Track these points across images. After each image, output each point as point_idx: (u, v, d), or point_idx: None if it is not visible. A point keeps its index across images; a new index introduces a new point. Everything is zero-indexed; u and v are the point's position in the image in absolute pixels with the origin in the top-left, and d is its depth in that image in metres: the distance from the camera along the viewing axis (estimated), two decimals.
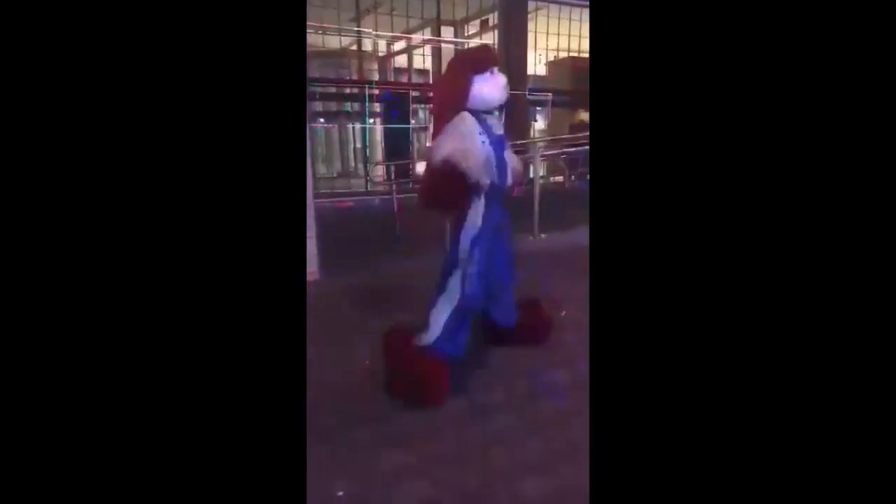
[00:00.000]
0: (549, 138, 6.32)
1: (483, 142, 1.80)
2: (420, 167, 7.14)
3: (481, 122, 1.84)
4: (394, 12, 11.52)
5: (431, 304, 1.92)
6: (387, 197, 8.37)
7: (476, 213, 1.86)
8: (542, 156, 5.29)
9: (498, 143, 1.86)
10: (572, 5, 6.58)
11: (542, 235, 4.46)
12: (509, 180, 1.93)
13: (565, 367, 2.17)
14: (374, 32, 11.75)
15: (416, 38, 7.02)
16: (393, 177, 9.60)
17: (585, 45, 6.92)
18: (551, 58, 7.47)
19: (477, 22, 7.61)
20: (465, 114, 1.81)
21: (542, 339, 2.37)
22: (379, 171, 11.63)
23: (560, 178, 6.51)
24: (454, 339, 1.89)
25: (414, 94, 10.90)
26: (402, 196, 5.85)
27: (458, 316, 1.88)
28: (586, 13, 6.80)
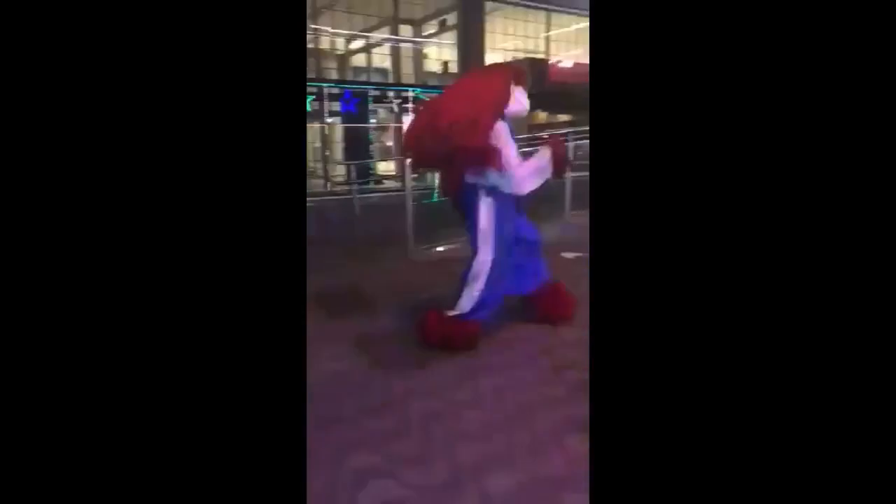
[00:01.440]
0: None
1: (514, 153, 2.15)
2: (381, 166, 7.09)
3: (510, 130, 2.19)
4: (351, 10, 11.39)
5: (462, 280, 2.29)
6: (347, 198, 8.26)
7: (485, 211, 2.21)
8: None
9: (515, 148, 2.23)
10: (528, 7, 6.69)
11: None
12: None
13: (527, 363, 2.21)
14: (331, 30, 11.59)
15: (375, 36, 6.97)
16: (353, 177, 9.50)
17: (542, 45, 7.05)
18: (509, 58, 7.59)
19: (435, 22, 7.62)
20: (504, 126, 2.16)
21: (564, 316, 2.56)
22: (339, 172, 11.47)
23: None
24: (483, 308, 2.29)
25: (374, 93, 10.80)
26: (362, 197, 5.78)
27: (486, 289, 2.25)
28: (542, 15, 6.93)
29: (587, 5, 6.99)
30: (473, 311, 2.30)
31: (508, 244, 2.28)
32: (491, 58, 6.99)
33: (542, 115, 7.77)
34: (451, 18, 7.32)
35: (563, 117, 7.95)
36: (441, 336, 2.27)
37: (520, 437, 1.66)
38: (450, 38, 7.38)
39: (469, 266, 2.34)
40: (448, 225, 4.80)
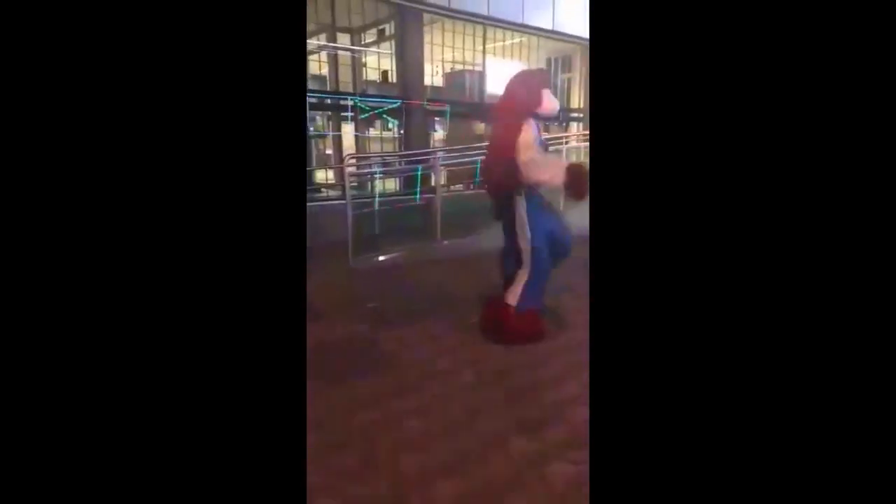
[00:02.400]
0: (448, 148, 6.50)
1: (538, 145, 2.36)
2: (319, 175, 6.94)
3: (538, 128, 2.42)
4: None
5: (511, 275, 2.47)
6: None
7: (521, 206, 2.40)
8: (443, 165, 5.42)
9: (542, 146, 2.44)
10: (466, 20, 6.84)
11: (445, 241, 4.55)
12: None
13: (472, 364, 2.23)
14: None
15: (312, 43, 6.84)
16: None
17: (479, 58, 7.22)
18: (447, 69, 7.70)
19: (374, 30, 7.61)
20: (533, 122, 2.37)
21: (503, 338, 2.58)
22: None
23: (460, 187, 6.71)
24: (534, 297, 2.47)
25: (311, 100, 10.55)
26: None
27: (534, 279, 2.45)
28: (479, 29, 7.11)
29: (522, 22, 7.23)
30: (529, 300, 2.47)
31: (546, 237, 2.45)
32: (429, 68, 7.06)
33: (480, 127, 7.93)
34: (390, 28, 7.34)
35: None
36: (513, 329, 2.45)
37: (464, 443, 1.66)
38: (388, 47, 7.39)
39: (509, 260, 2.54)
40: (389, 233, 4.76)
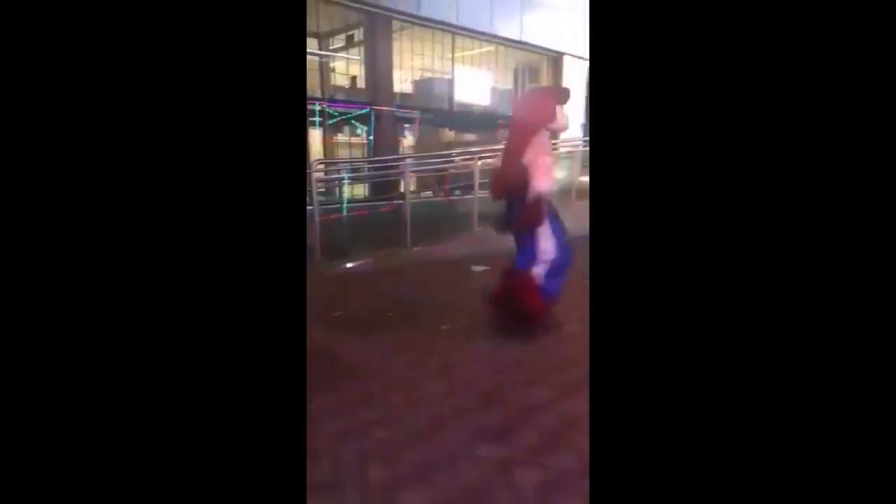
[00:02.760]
0: (418, 154, 6.50)
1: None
2: None
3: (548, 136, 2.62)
4: None
5: (530, 259, 2.58)
6: None
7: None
8: (412, 171, 5.41)
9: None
10: (435, 28, 6.89)
11: (416, 248, 4.54)
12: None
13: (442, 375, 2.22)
14: None
15: None
16: None
17: (448, 66, 7.27)
18: (416, 76, 7.72)
19: (342, 36, 7.56)
20: (546, 133, 2.58)
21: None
22: None
23: (429, 194, 6.71)
24: (556, 285, 2.61)
25: None
26: None
27: (559, 269, 2.59)
28: (448, 38, 7.16)
29: (490, 32, 7.33)
30: (553, 286, 2.61)
31: (559, 235, 2.62)
32: (398, 75, 7.06)
33: (450, 134, 7.97)
34: (359, 34, 7.31)
35: (469, 136, 8.24)
36: (529, 300, 2.55)
37: (431, 452, 1.65)
38: (357, 53, 7.35)
39: (525, 253, 2.65)
40: (357, 240, 4.71)
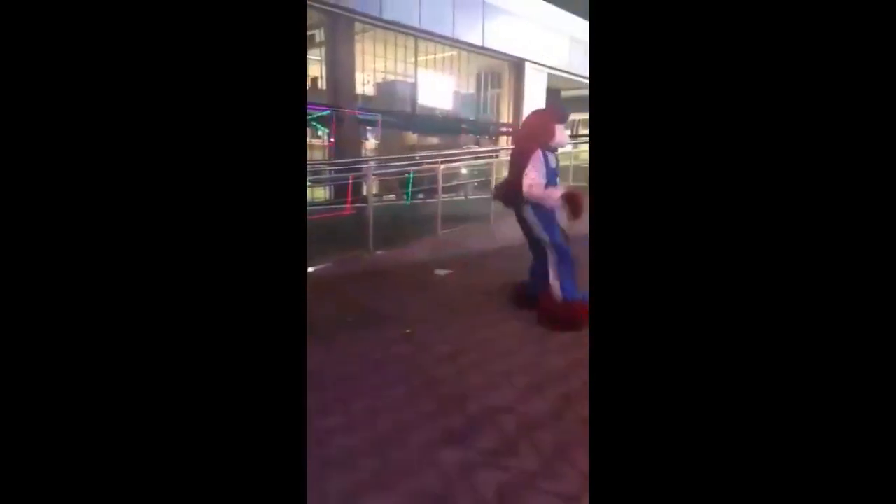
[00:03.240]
0: (381, 157, 6.45)
1: (546, 172, 2.86)
2: None
3: (547, 157, 2.89)
4: None
5: (535, 274, 3.00)
6: None
7: (530, 213, 2.92)
8: (375, 174, 5.37)
9: (553, 173, 2.92)
10: (398, 31, 6.87)
11: (378, 252, 4.50)
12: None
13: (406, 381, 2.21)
14: None
15: None
16: None
17: (410, 69, 7.27)
18: (379, 79, 7.67)
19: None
20: (539, 153, 2.85)
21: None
22: None
23: (392, 197, 6.68)
24: (571, 287, 2.90)
25: None
26: None
27: (564, 272, 2.91)
28: (411, 41, 7.16)
29: (453, 36, 7.38)
30: (569, 292, 2.89)
31: (561, 237, 2.92)
32: (360, 77, 7.00)
33: (413, 138, 7.97)
34: (319, 35, 7.20)
35: (432, 140, 8.26)
36: (561, 318, 2.80)
37: (393, 458, 1.64)
38: (318, 54, 7.23)
39: (538, 261, 3.02)
40: (318, 243, 4.63)
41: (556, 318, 2.82)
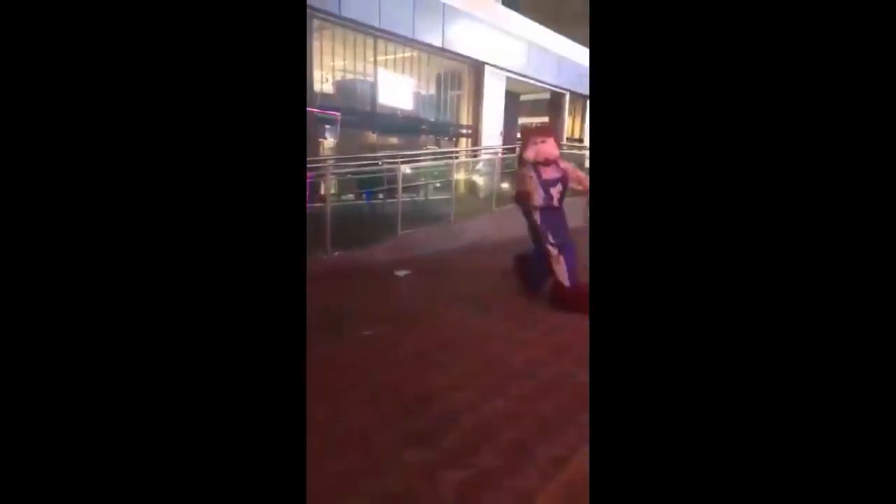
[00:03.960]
0: (339, 157, 6.36)
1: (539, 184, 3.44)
2: None
3: (538, 170, 3.46)
4: None
5: (537, 265, 3.43)
6: None
7: (537, 217, 3.46)
8: (333, 173, 5.29)
9: (553, 183, 3.46)
10: (357, 30, 6.79)
11: (336, 253, 4.44)
12: (555, 200, 3.51)
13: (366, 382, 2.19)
14: None
15: None
16: None
17: (370, 69, 7.20)
18: (338, 77, 7.56)
19: None
20: (526, 170, 3.47)
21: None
22: None
23: (351, 197, 6.59)
24: (576, 274, 3.35)
25: None
26: None
27: (569, 262, 3.37)
28: (370, 41, 7.10)
29: (413, 37, 7.36)
30: (575, 277, 3.32)
31: (562, 234, 3.40)
32: (319, 75, 6.88)
33: (372, 137, 7.89)
34: None
35: (392, 140, 8.22)
36: (572, 301, 3.18)
37: (354, 461, 1.62)
38: None
39: (540, 254, 3.45)
40: None
41: (566, 302, 3.25)
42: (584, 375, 2.30)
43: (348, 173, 6.13)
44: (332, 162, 5.65)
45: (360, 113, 7.28)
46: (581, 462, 1.64)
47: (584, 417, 1.91)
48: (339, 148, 6.98)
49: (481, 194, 7.55)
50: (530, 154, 3.50)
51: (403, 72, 7.78)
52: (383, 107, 7.55)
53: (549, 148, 3.52)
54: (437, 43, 7.71)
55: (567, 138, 10.79)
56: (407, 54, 7.79)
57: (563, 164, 3.62)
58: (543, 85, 10.15)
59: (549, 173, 3.50)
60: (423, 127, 8.45)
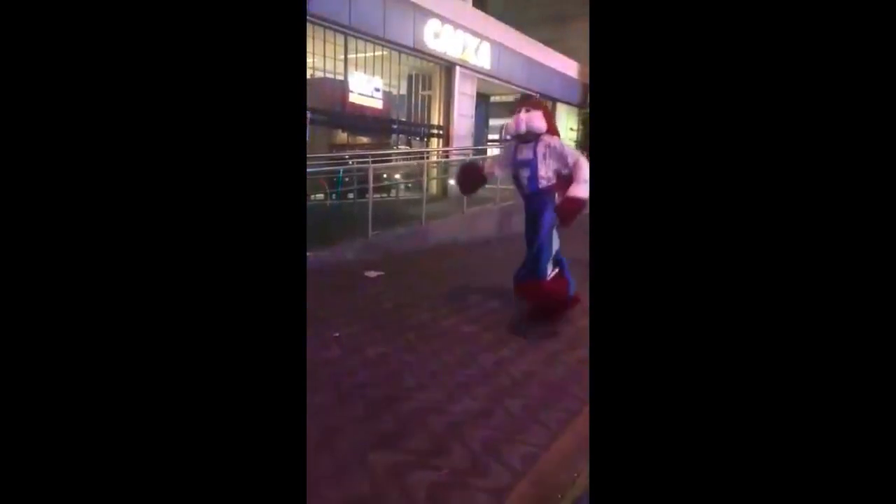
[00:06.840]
0: (309, 155, 6.28)
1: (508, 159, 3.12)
2: None
3: (516, 147, 3.03)
4: None
5: (542, 258, 2.95)
6: None
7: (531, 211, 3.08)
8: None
9: (522, 164, 3.00)
10: (327, 27, 6.71)
11: (308, 253, 4.37)
12: (537, 186, 2.98)
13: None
14: None
15: None
16: None
17: (340, 67, 7.12)
18: (308, 76, 7.45)
19: None
20: (512, 143, 3.08)
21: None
22: None
23: (321, 196, 6.51)
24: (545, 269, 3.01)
25: None
26: None
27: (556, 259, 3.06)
28: (341, 38, 7.02)
29: (384, 36, 7.31)
30: (557, 271, 3.07)
31: (549, 229, 2.99)
32: None
33: (343, 136, 7.80)
34: None
35: (362, 139, 8.15)
36: (544, 292, 2.96)
37: (321, 464, 1.60)
38: None
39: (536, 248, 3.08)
40: None
41: (540, 294, 2.98)
42: (551, 374, 2.33)
43: (318, 172, 6.05)
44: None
45: (330, 112, 7.19)
46: (550, 459, 1.67)
47: (551, 415, 1.94)
48: (308, 146, 6.88)
49: (456, 196, 7.59)
50: (511, 124, 2.90)
51: (374, 71, 7.72)
52: (354, 105, 7.48)
53: (532, 118, 2.87)
54: (408, 43, 7.68)
55: None
56: (378, 53, 7.74)
57: (553, 141, 2.94)
58: (512, 87, 10.26)
59: (525, 153, 2.93)
60: (394, 126, 8.42)
